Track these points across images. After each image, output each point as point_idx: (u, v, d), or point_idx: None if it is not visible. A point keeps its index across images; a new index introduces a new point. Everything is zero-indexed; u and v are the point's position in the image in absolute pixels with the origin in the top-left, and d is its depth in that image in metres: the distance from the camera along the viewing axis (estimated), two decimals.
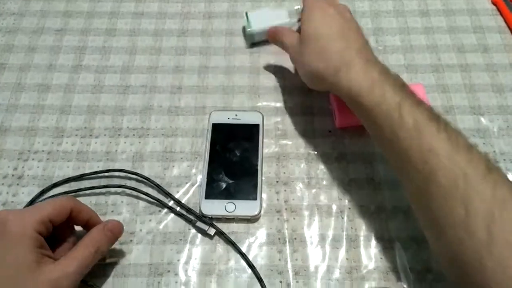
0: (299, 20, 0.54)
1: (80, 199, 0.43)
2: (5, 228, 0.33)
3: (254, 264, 0.40)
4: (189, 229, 0.42)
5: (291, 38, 0.44)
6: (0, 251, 0.33)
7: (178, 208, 0.43)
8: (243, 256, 0.40)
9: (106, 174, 0.44)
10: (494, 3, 0.56)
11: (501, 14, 0.56)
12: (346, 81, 0.37)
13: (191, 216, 0.42)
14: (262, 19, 0.52)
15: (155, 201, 0.43)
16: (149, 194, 0.43)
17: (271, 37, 0.49)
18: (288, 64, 0.52)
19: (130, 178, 0.44)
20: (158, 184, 0.43)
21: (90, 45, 0.53)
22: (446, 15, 0.55)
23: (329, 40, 0.39)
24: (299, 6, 0.51)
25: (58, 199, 0.37)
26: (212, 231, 0.41)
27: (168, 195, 0.43)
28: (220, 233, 0.41)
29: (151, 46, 0.53)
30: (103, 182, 0.44)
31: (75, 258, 0.34)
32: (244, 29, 0.54)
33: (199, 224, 0.41)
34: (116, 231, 0.38)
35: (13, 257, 0.32)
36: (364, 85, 0.36)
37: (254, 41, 0.53)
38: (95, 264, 0.36)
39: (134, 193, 0.43)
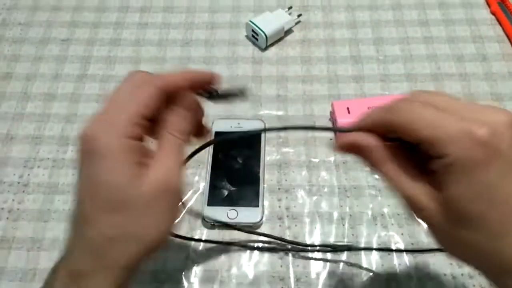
0: (299, 15, 0.56)
1: None
2: (94, 147, 0.25)
3: (255, 271, 0.40)
4: (191, 235, 0.42)
5: (419, 196, 0.25)
6: (98, 170, 0.25)
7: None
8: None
9: None
10: (493, 13, 0.57)
11: (500, 24, 0.56)
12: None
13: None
14: (268, 22, 0.53)
15: None
16: None
17: (348, 148, 0.29)
18: (288, 73, 0.53)
19: None
20: None
21: (96, 55, 0.54)
22: (445, 25, 0.56)
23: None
24: (291, 6, 0.55)
25: (140, 89, 0.27)
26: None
27: None
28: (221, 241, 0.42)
29: (156, 56, 0.54)
30: None
31: (169, 150, 0.28)
32: (249, 37, 0.55)
33: None
34: (193, 106, 0.30)
35: (112, 177, 0.25)
36: None
37: (268, 44, 0.54)
38: None
39: None
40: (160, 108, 0.28)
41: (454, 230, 0.24)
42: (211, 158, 0.46)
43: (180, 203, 0.29)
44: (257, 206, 0.43)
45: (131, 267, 0.26)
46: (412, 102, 0.25)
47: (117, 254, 0.25)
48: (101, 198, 0.25)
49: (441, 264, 0.41)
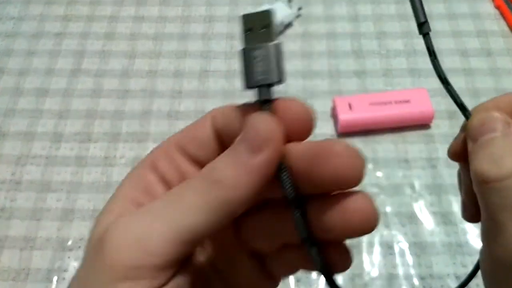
0: (299, 9, 0.55)
1: None
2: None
3: None
4: None
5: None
6: None
7: None
8: None
9: None
10: (497, 7, 0.56)
11: (504, 19, 0.55)
12: None
13: None
14: None
15: None
16: None
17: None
18: (288, 67, 0.52)
19: None
20: None
21: (90, 49, 0.53)
22: (449, 19, 0.55)
23: None
24: None
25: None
26: None
27: None
28: None
29: (151, 50, 0.53)
30: None
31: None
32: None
33: None
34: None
35: None
36: None
37: None
38: None
39: None
40: None
41: None
42: None
43: None
44: None
45: None
46: None
47: None
48: None
49: (445, 263, 0.40)
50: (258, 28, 0.19)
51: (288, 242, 0.19)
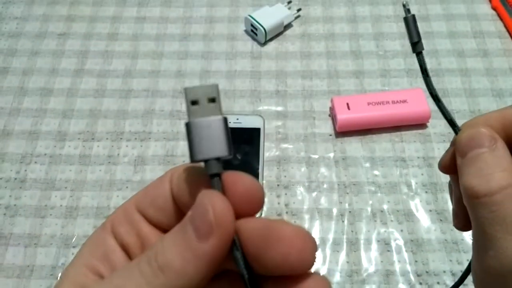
0: (298, 10, 0.55)
1: None
2: None
3: None
4: None
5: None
6: None
7: None
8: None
9: None
10: (494, 8, 0.57)
11: (501, 19, 0.56)
12: None
13: None
14: (267, 16, 0.53)
15: None
16: None
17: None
18: (287, 68, 0.52)
19: None
20: None
21: (93, 50, 0.54)
22: (446, 20, 0.56)
23: None
24: (290, 0, 0.54)
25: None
26: None
27: None
28: None
29: (153, 51, 0.54)
30: None
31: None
32: (248, 32, 0.55)
33: None
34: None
35: None
36: None
37: (267, 39, 0.54)
38: None
39: None
40: None
41: None
42: None
43: None
44: None
45: None
46: None
47: None
48: None
49: (441, 260, 0.40)
50: (205, 101, 0.18)
51: None
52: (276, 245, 0.16)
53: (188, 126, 0.18)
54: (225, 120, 0.18)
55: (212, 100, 0.18)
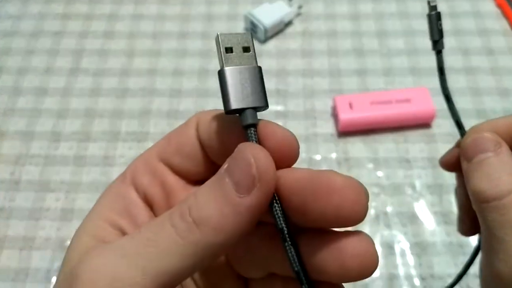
0: (300, 7, 0.54)
1: None
2: None
3: None
4: None
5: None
6: None
7: None
8: None
9: None
10: (498, 6, 0.56)
11: (506, 17, 0.55)
12: None
13: None
14: (267, 14, 0.52)
15: None
16: None
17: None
18: (289, 66, 0.51)
19: None
20: None
21: (88, 48, 0.53)
22: (450, 18, 0.55)
23: None
24: None
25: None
26: None
27: None
28: None
29: (150, 49, 0.53)
30: None
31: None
32: (247, 29, 0.54)
33: None
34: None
35: None
36: None
37: (267, 37, 0.53)
38: None
39: None
40: None
41: None
42: None
43: None
44: None
45: None
46: None
47: None
48: None
49: (446, 264, 0.39)
50: (239, 50, 0.18)
51: (275, 272, 0.18)
52: (326, 196, 0.15)
53: (222, 73, 0.17)
54: (261, 70, 0.17)
55: (247, 49, 0.18)
